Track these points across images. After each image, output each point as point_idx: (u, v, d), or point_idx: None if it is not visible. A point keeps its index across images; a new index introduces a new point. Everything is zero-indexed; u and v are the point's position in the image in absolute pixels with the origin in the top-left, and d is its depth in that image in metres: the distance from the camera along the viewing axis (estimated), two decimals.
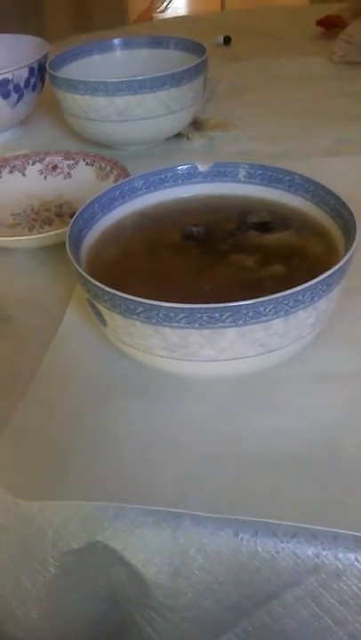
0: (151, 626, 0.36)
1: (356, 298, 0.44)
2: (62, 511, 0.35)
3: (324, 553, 0.32)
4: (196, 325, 0.33)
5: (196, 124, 0.73)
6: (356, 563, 0.32)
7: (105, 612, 0.39)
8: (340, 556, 0.32)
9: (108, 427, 0.38)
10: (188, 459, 0.36)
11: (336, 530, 0.32)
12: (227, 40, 0.99)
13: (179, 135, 0.70)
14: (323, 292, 0.35)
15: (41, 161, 0.63)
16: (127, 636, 0.39)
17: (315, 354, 0.40)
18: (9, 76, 0.69)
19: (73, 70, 0.70)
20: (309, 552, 0.32)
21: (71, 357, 0.44)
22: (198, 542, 0.33)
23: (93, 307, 0.38)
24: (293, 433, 0.37)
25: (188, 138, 0.71)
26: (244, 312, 0.33)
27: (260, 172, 0.46)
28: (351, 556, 0.32)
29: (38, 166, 0.63)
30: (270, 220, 0.44)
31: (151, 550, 0.34)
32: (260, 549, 0.32)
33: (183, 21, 1.17)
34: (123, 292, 0.34)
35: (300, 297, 0.34)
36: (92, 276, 0.36)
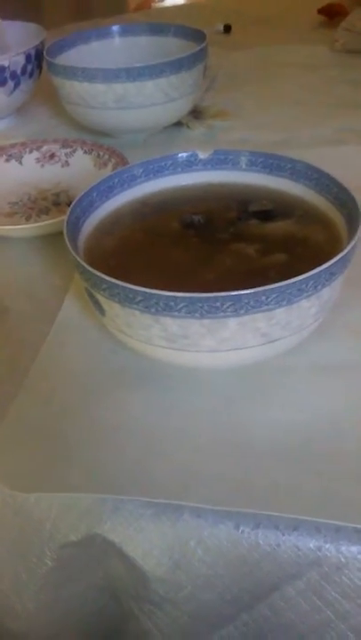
0: (150, 619, 0.36)
1: (357, 289, 0.43)
2: (60, 503, 0.34)
3: (327, 546, 0.31)
4: (197, 315, 0.33)
5: (196, 113, 0.72)
6: (359, 556, 0.31)
7: (103, 605, 0.39)
8: (343, 548, 0.31)
9: (107, 418, 0.38)
10: (188, 450, 0.35)
11: (338, 522, 0.31)
12: (227, 28, 0.98)
13: (178, 124, 0.70)
14: (326, 280, 0.34)
15: (38, 149, 0.62)
16: (126, 628, 0.38)
17: (317, 345, 0.39)
18: (5, 62, 0.68)
19: (71, 57, 0.69)
20: (311, 545, 0.32)
21: (69, 348, 0.43)
22: (198, 535, 0.33)
23: (92, 296, 0.37)
24: (295, 424, 0.36)
25: (188, 126, 0.70)
26: (246, 301, 0.32)
27: (261, 159, 0.45)
28: (354, 549, 0.31)
29: (35, 154, 0.62)
30: (272, 208, 0.43)
31: (150, 543, 0.33)
32: (261, 542, 0.32)
33: (183, 9, 1.16)
34: (121, 280, 0.33)
35: (304, 286, 0.33)
36: (91, 265, 0.35)
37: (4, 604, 0.38)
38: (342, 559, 0.31)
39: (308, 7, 0.99)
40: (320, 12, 0.98)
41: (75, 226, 0.40)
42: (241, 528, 0.32)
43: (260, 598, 0.33)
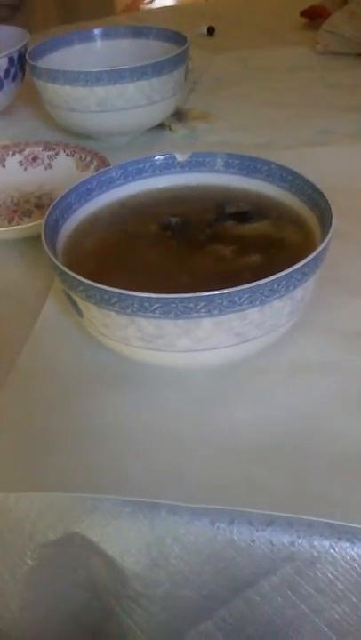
0: (130, 616, 0.36)
1: (334, 289, 0.44)
2: (39, 503, 0.35)
3: (300, 541, 0.32)
4: (172, 315, 0.33)
5: (179, 115, 0.72)
6: (331, 550, 0.32)
7: (85, 603, 0.39)
8: (316, 543, 0.32)
9: (86, 418, 0.38)
10: (164, 449, 0.36)
11: (311, 518, 0.32)
12: (210, 30, 0.98)
13: (161, 126, 0.70)
14: (298, 280, 0.35)
15: (21, 152, 0.63)
16: (108, 626, 0.39)
17: (292, 343, 0.40)
18: None
19: (53, 60, 0.70)
20: (285, 540, 0.32)
21: (50, 349, 0.43)
22: (175, 532, 0.33)
23: (70, 298, 0.38)
24: (270, 422, 0.37)
25: (171, 129, 0.71)
26: (219, 301, 0.33)
27: (237, 161, 0.45)
28: (326, 543, 0.32)
29: (18, 157, 0.62)
30: (248, 209, 0.44)
31: (128, 541, 0.34)
32: (235, 538, 0.33)
33: (168, 12, 1.17)
34: (99, 282, 0.34)
35: (276, 286, 0.34)
36: (69, 267, 0.36)
37: None
38: (315, 554, 0.32)
39: (290, 9, 1.00)
40: (302, 14, 0.98)
41: (53, 228, 0.41)
42: (216, 524, 0.33)
43: (237, 593, 0.34)
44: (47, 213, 0.40)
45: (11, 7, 1.24)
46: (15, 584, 0.37)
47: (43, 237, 0.38)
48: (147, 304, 0.33)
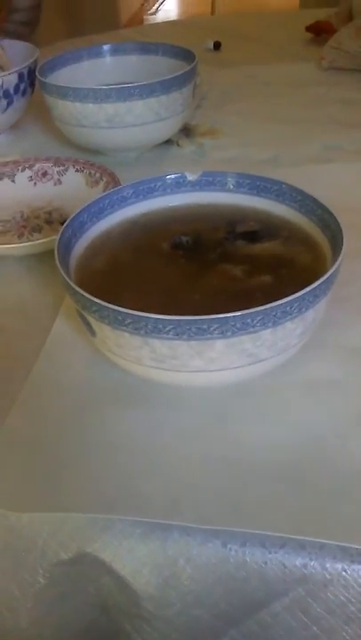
0: (141, 635, 0.36)
1: (343, 307, 0.44)
2: (51, 522, 0.35)
3: (312, 563, 0.32)
4: (185, 337, 0.34)
5: (186, 131, 0.73)
6: (343, 572, 0.32)
7: (95, 622, 0.39)
8: (328, 565, 0.32)
9: (98, 437, 0.38)
10: (177, 469, 0.36)
11: (323, 540, 0.32)
12: (217, 45, 0.99)
13: (169, 142, 0.71)
14: (310, 302, 0.35)
15: (30, 167, 0.63)
16: None
17: (303, 363, 0.40)
18: None
19: (63, 76, 0.70)
20: (297, 562, 0.32)
21: (61, 366, 0.44)
22: (187, 553, 0.33)
23: (82, 317, 0.38)
24: (281, 442, 0.37)
25: (178, 144, 0.71)
26: (232, 324, 0.33)
27: (248, 181, 0.46)
28: (338, 565, 0.32)
29: (28, 173, 0.63)
30: (259, 229, 0.44)
31: (140, 561, 0.34)
32: (248, 560, 0.33)
33: (173, 26, 1.18)
34: (111, 301, 0.34)
35: (288, 308, 0.34)
36: (81, 286, 0.36)
37: None
38: (327, 576, 0.32)
39: (296, 25, 1.01)
40: (308, 29, 0.99)
41: (66, 247, 0.41)
42: (229, 546, 0.33)
43: (248, 614, 0.34)
44: (60, 233, 0.41)
45: (26, 24, 1.25)
46: (26, 601, 0.37)
47: (56, 258, 0.38)
48: (160, 326, 0.33)
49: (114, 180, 0.57)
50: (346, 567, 0.32)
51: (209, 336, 0.34)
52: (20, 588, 0.37)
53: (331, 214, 0.40)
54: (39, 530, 0.35)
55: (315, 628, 0.33)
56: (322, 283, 0.35)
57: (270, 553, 0.32)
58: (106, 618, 0.39)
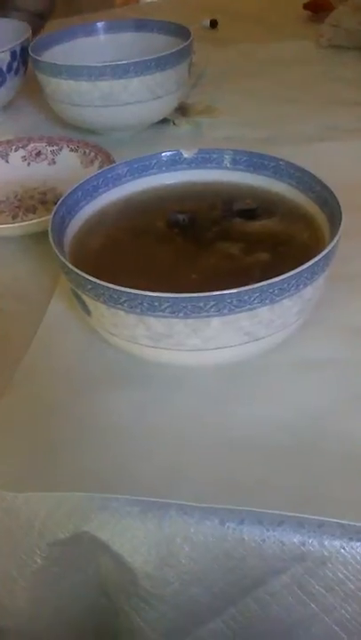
0: (139, 614, 0.36)
1: (342, 285, 0.43)
2: (48, 502, 0.35)
3: (310, 541, 0.32)
4: (181, 315, 0.33)
5: (182, 110, 0.72)
6: (342, 550, 0.32)
7: (93, 601, 0.40)
8: (326, 543, 0.32)
9: (94, 417, 0.38)
10: (174, 448, 0.36)
11: (322, 518, 0.32)
12: (213, 23, 0.98)
13: (165, 121, 0.70)
14: (308, 279, 0.34)
15: (24, 147, 0.62)
16: (116, 623, 0.39)
17: (300, 342, 0.40)
18: None
19: (56, 54, 0.69)
20: (295, 540, 0.32)
21: (57, 347, 0.43)
22: (185, 531, 0.33)
23: (77, 296, 0.38)
24: (279, 421, 0.37)
25: (174, 123, 0.70)
26: (229, 301, 0.33)
27: (245, 158, 0.45)
28: (337, 543, 0.32)
29: (22, 152, 0.62)
30: (256, 207, 0.43)
31: (138, 540, 0.34)
32: (246, 538, 0.33)
33: (170, 4, 1.15)
34: (107, 281, 0.34)
35: (285, 285, 0.34)
36: (76, 265, 0.35)
37: None
38: (326, 553, 0.32)
39: (293, 2, 0.99)
40: (306, 7, 0.98)
41: (60, 226, 0.40)
42: (226, 524, 0.33)
43: (247, 592, 0.34)
44: (54, 211, 0.40)
45: (38, 15, 1.21)
46: (24, 582, 0.37)
47: (50, 236, 0.38)
48: (156, 303, 0.33)
49: (109, 160, 0.56)
50: (344, 544, 0.32)
51: (205, 314, 0.33)
52: (18, 568, 0.37)
53: (329, 191, 0.40)
54: (36, 510, 0.35)
55: (313, 606, 0.33)
56: (320, 260, 0.34)
57: (268, 531, 0.32)
58: (104, 597, 0.39)
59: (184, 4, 1.08)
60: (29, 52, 0.66)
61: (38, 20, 1.26)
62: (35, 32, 0.78)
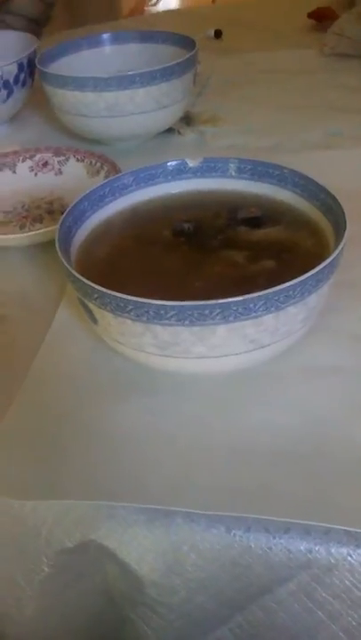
0: (146, 622, 0.36)
1: (346, 292, 0.44)
2: (55, 510, 0.35)
3: (317, 548, 0.32)
4: (187, 323, 0.33)
5: (187, 119, 0.72)
6: (349, 557, 0.32)
7: (100, 609, 0.40)
8: (333, 550, 0.32)
9: (101, 425, 0.38)
10: (180, 455, 0.36)
11: (328, 525, 0.32)
12: (218, 33, 0.98)
13: (170, 130, 0.70)
14: (313, 287, 0.35)
15: (31, 158, 0.63)
16: (123, 632, 0.39)
17: (306, 349, 0.40)
18: None
19: (63, 66, 0.70)
20: (302, 547, 0.32)
21: (64, 355, 0.44)
22: (191, 539, 0.33)
23: (84, 305, 0.38)
24: (285, 429, 0.37)
25: (180, 133, 0.71)
26: (234, 308, 0.33)
27: (249, 166, 0.45)
28: (343, 550, 0.32)
29: (29, 163, 0.63)
30: (261, 215, 0.44)
31: (144, 548, 0.34)
32: (252, 545, 0.33)
33: (174, 15, 1.17)
34: (113, 289, 0.34)
35: (291, 292, 0.34)
36: (82, 274, 0.36)
37: (2, 610, 0.38)
38: (332, 561, 0.32)
39: (297, 11, 1.00)
40: (310, 16, 0.98)
41: (67, 235, 0.41)
42: (233, 532, 0.33)
43: (253, 600, 0.34)
44: (60, 221, 0.40)
45: (33, 21, 1.22)
46: (31, 590, 0.37)
47: (57, 245, 0.38)
48: (162, 311, 0.33)
49: (115, 170, 0.57)
50: (351, 552, 0.32)
51: (211, 321, 0.33)
52: (25, 576, 0.37)
53: (334, 198, 0.40)
54: (43, 518, 0.35)
55: (320, 614, 0.33)
56: (324, 267, 0.34)
57: (275, 538, 0.32)
58: (112, 606, 0.39)
59: (189, 15, 1.10)
60: (36, 63, 0.67)
61: (34, 26, 1.26)
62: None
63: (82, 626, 0.40)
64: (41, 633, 0.39)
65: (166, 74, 0.62)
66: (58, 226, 0.40)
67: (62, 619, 0.39)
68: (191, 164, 0.47)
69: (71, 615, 0.39)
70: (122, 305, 0.34)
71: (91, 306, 0.37)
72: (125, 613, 0.37)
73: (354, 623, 0.33)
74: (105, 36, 0.74)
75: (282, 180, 0.44)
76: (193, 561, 0.33)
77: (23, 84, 0.72)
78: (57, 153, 0.62)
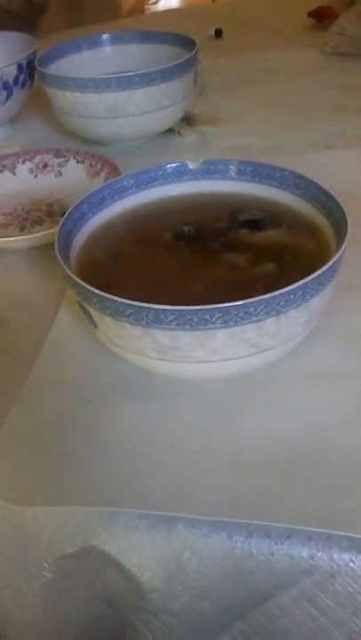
0: (148, 628, 0.36)
1: (348, 294, 0.43)
2: (56, 516, 0.35)
3: (319, 554, 0.32)
4: (187, 327, 0.33)
5: (188, 120, 0.72)
6: (351, 563, 0.31)
7: (101, 615, 0.39)
8: (335, 556, 0.32)
9: (102, 430, 0.38)
10: (181, 461, 0.36)
11: (330, 531, 0.32)
12: (218, 33, 0.98)
13: (170, 131, 0.70)
14: (314, 290, 0.34)
15: (31, 159, 0.63)
16: (124, 637, 0.38)
17: (307, 352, 0.40)
18: None
19: (62, 67, 0.70)
20: (304, 553, 0.32)
21: (64, 359, 0.43)
22: (193, 545, 0.33)
23: (84, 309, 0.38)
24: (286, 433, 0.36)
25: (180, 133, 0.70)
26: (235, 313, 0.33)
27: (250, 168, 0.45)
28: (346, 556, 0.32)
29: (28, 165, 0.62)
30: (262, 217, 0.43)
31: (146, 554, 0.34)
32: (254, 551, 0.32)
33: (174, 14, 1.16)
34: (112, 293, 0.34)
35: (292, 296, 0.33)
36: (82, 278, 0.35)
37: (3, 616, 0.38)
38: (335, 567, 0.32)
39: (298, 10, 1.00)
40: (310, 15, 0.98)
41: (66, 239, 0.41)
42: (235, 538, 0.33)
43: (255, 606, 0.34)
44: (60, 224, 0.40)
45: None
46: (32, 596, 0.37)
47: (57, 249, 0.38)
48: (162, 316, 0.33)
49: (115, 171, 0.57)
50: (353, 558, 0.31)
51: (211, 326, 0.33)
52: (26, 582, 0.37)
53: (335, 201, 0.40)
54: (44, 524, 0.35)
55: (322, 620, 0.33)
56: (326, 270, 0.34)
57: (277, 544, 0.32)
58: (113, 611, 0.39)
59: (189, 14, 1.09)
60: (36, 64, 0.67)
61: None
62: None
63: (83, 631, 0.40)
64: (42, 638, 0.39)
65: (166, 74, 0.61)
66: (57, 229, 0.40)
67: (63, 624, 0.39)
68: (191, 165, 0.46)
69: (72, 620, 0.39)
70: (121, 309, 0.34)
71: (90, 310, 0.37)
72: (127, 619, 0.37)
73: (357, 629, 0.33)
74: (105, 36, 0.74)
75: (283, 182, 0.44)
76: (195, 567, 0.33)
77: (23, 86, 0.72)
78: (57, 154, 0.62)
